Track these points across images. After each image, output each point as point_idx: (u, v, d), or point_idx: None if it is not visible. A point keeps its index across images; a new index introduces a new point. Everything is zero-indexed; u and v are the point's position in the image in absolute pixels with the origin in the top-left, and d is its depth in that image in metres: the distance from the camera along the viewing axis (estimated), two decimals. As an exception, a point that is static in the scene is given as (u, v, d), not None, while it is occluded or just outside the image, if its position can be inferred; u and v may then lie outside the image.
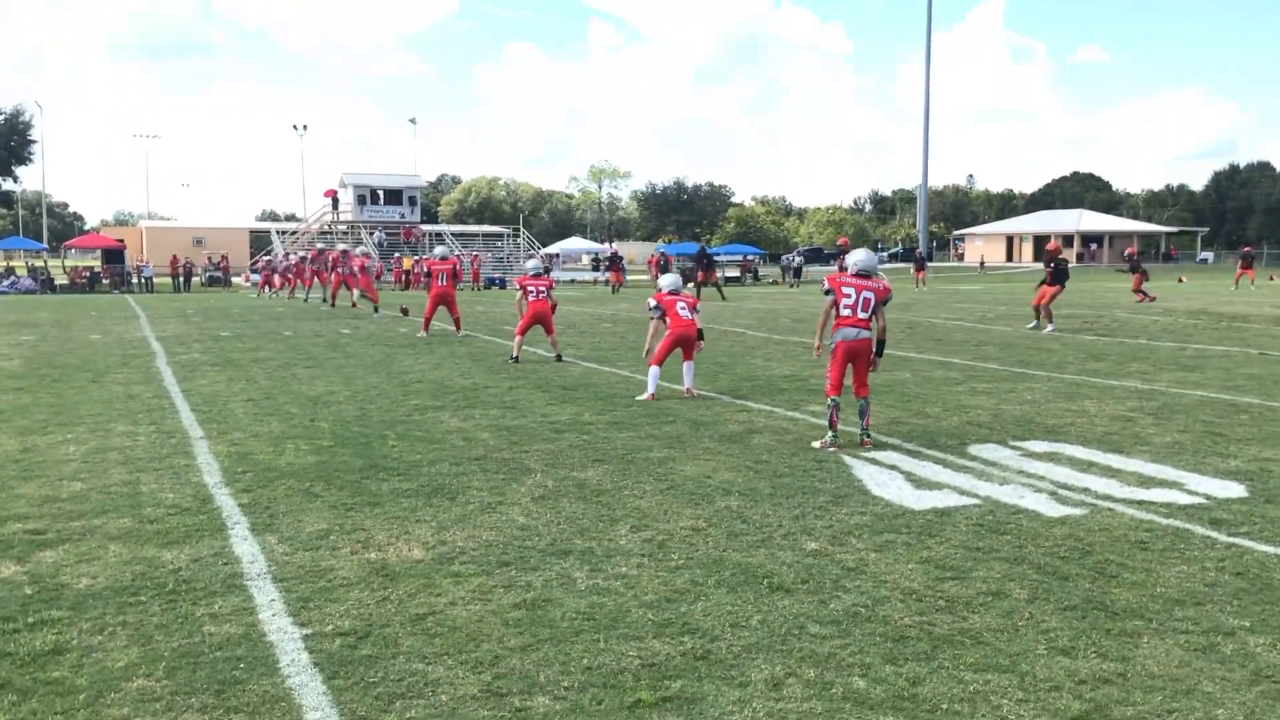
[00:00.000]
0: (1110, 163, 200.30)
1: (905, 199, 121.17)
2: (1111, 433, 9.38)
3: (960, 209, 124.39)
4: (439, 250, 20.60)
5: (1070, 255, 75.60)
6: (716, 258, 43.86)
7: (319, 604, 5.05)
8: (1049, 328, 20.26)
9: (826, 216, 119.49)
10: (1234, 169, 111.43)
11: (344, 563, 5.67)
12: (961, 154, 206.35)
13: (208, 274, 51.88)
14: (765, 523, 6.44)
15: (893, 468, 7.95)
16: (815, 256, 74.39)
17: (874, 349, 8.81)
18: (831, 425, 8.73)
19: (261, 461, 8.24)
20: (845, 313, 8.69)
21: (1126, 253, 21.92)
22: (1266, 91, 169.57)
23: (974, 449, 8.67)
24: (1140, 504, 6.84)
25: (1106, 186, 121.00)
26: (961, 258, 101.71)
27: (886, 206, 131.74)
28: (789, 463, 8.13)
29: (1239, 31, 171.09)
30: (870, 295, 8.70)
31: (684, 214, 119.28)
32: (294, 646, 4.53)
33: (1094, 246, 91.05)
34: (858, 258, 9.04)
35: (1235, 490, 7.19)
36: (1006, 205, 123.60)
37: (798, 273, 53.36)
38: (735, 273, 57.07)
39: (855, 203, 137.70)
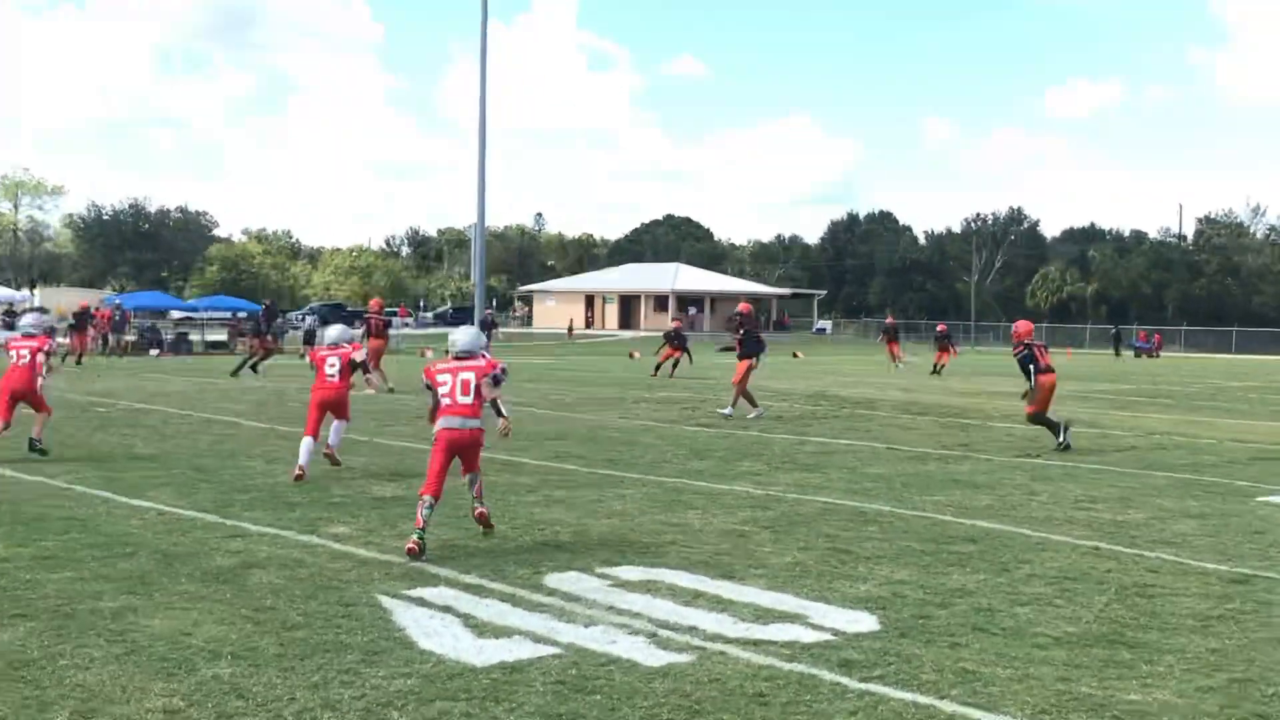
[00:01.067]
0: (711, 207, 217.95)
1: (455, 242, 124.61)
2: (721, 552, 10.11)
3: (527, 257, 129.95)
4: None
5: (664, 321, 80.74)
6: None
7: None
8: (754, 412, 22.29)
9: (349, 261, 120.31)
10: (853, 219, 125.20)
11: None
12: (529, 186, 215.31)
13: None
14: (271, 697, 6.32)
15: (446, 609, 8.08)
16: (337, 314, 74.21)
17: (502, 419, 10.60)
18: (418, 524, 9.68)
19: None
20: (446, 401, 10.03)
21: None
22: (886, 127, 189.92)
23: (552, 579, 9.02)
24: (757, 644, 7.40)
25: (708, 235, 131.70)
26: (528, 320, 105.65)
27: (430, 251, 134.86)
28: (304, 609, 8.05)
29: (857, 58, 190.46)
30: (470, 376, 10.06)
31: (145, 250, 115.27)
32: None
33: (693, 310, 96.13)
34: (457, 337, 10.49)
35: (866, 623, 7.98)
36: (586, 254, 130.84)
37: (310, 338, 53.02)
38: (221, 336, 55.82)
39: (389, 244, 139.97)
